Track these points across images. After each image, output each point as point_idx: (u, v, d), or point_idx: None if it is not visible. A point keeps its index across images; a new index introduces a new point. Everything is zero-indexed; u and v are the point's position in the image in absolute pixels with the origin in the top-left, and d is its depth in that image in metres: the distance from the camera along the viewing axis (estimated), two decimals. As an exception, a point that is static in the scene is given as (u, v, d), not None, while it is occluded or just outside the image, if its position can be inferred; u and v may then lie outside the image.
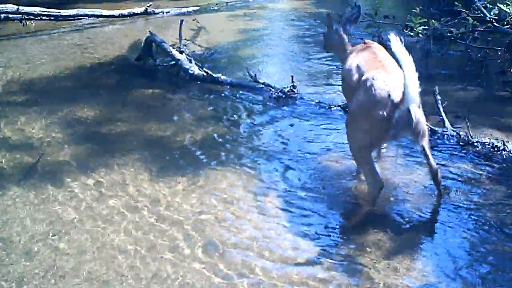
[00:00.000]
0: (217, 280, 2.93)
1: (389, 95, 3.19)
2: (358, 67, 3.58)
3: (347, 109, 4.91)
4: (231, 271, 2.99)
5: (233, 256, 3.12)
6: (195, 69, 6.08)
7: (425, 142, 3.37)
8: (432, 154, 3.46)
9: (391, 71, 3.34)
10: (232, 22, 8.95)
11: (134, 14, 9.16)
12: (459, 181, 3.80)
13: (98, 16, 9.03)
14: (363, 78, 3.38)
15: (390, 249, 3.15)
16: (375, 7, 6.30)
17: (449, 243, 3.18)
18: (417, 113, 3.18)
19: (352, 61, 3.72)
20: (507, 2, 5.65)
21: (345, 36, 4.16)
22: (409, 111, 3.11)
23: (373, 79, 3.28)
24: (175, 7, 9.84)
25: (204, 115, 5.17)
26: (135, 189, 3.84)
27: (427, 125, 3.48)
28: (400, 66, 3.09)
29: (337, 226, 3.41)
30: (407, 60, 3.02)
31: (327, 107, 5.14)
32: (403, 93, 3.12)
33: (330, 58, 6.55)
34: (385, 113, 3.19)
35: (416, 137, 3.31)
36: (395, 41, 3.03)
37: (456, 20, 6.08)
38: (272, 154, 4.31)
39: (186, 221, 3.45)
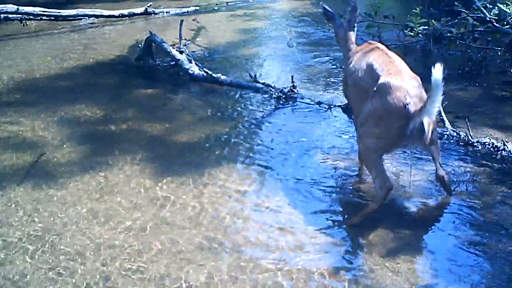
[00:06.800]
0: (225, 277, 2.93)
1: (406, 106, 3.17)
2: (371, 68, 3.47)
3: (347, 110, 4.92)
4: (235, 269, 2.99)
5: (238, 254, 3.12)
6: (195, 69, 6.08)
7: (435, 150, 3.40)
8: (441, 162, 3.47)
9: (407, 78, 3.30)
10: (232, 22, 8.95)
11: (134, 14, 9.18)
12: (459, 181, 3.80)
13: (98, 16, 9.05)
14: (380, 82, 3.31)
15: (390, 249, 3.14)
16: (375, 7, 6.29)
17: (449, 243, 3.18)
18: (430, 126, 3.16)
19: (360, 60, 3.64)
20: (507, 2, 5.66)
21: (350, 34, 4.01)
22: (422, 123, 3.11)
23: (391, 87, 3.23)
24: (175, 7, 9.85)
25: (204, 115, 5.17)
26: (135, 188, 3.84)
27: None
28: (431, 87, 3.04)
29: (338, 225, 3.41)
30: (439, 85, 2.99)
31: (327, 107, 5.14)
32: (421, 107, 3.11)
33: (330, 58, 6.56)
34: (399, 123, 3.18)
35: (426, 146, 3.33)
36: (438, 67, 2.97)
37: (456, 20, 6.08)
38: (272, 154, 4.31)
39: (187, 220, 3.45)
